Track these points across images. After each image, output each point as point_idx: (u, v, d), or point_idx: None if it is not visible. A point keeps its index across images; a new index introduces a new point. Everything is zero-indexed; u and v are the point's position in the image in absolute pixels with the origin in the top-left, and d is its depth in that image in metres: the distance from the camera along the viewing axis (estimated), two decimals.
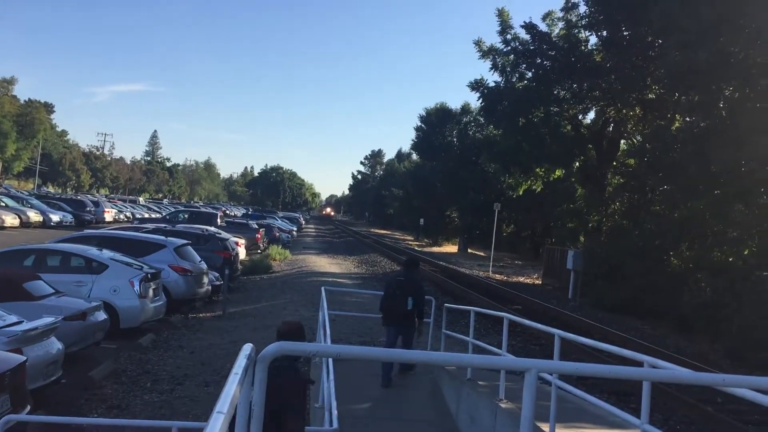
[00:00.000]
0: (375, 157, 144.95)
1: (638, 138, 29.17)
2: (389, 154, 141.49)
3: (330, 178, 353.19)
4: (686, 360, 13.03)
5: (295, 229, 58.85)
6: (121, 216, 49.59)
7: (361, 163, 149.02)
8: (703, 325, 18.52)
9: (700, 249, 21.23)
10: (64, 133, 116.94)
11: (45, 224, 37.75)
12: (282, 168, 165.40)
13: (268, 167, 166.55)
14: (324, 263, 33.83)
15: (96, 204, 48.09)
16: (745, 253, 19.87)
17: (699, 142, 21.37)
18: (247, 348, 2.99)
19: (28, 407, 7.12)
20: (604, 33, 28.78)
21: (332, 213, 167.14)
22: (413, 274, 10.02)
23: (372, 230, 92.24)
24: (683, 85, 22.24)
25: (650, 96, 27.35)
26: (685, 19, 20.86)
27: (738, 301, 17.67)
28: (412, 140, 70.27)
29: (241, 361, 2.82)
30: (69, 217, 40.86)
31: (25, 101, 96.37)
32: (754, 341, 15.58)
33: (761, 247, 19.32)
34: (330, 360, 6.74)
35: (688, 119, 24.96)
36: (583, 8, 29.80)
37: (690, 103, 23.53)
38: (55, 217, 39.51)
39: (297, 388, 4.31)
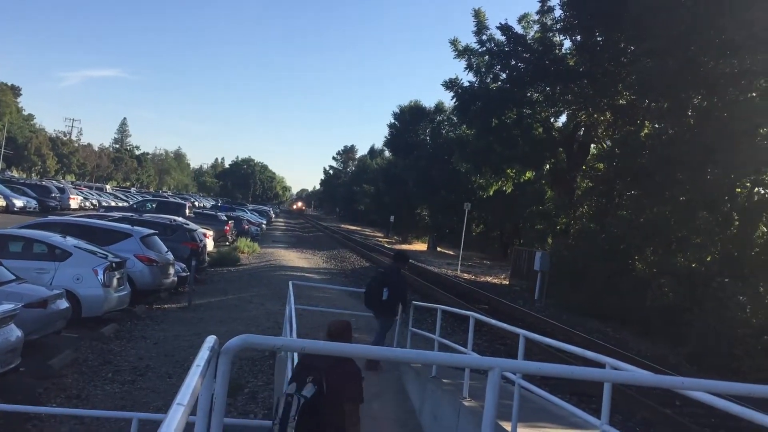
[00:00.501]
0: (347, 152, 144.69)
1: (608, 143, 29.56)
2: (362, 150, 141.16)
3: (301, 172, 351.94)
4: (647, 363, 13.24)
5: (264, 222, 58.49)
6: (87, 203, 48.73)
7: (334, 158, 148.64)
8: (664, 329, 18.85)
9: (664, 254, 21.58)
10: (30, 117, 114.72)
11: (8, 209, 36.94)
12: (253, 160, 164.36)
13: (239, 159, 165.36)
14: (293, 257, 33.69)
15: (61, 190, 47.19)
16: (708, 259, 20.26)
17: (666, 149, 21.73)
18: (211, 340, 2.95)
19: None
20: (578, 38, 29.10)
21: (304, 207, 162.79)
22: (395, 268, 10.44)
23: (342, 226, 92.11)
24: (653, 92, 22.59)
25: (621, 102, 27.73)
26: (657, 27, 21.19)
27: (699, 306, 18.01)
28: (385, 137, 70.34)
29: (203, 354, 2.78)
30: (33, 203, 40.05)
31: None
32: (713, 346, 15.90)
33: (723, 254, 19.73)
34: (295, 354, 6.71)
35: (657, 126, 25.38)
36: (558, 12, 30.10)
37: (659, 110, 23.93)
38: (19, 203, 38.69)
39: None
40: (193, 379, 2.42)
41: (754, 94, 20.29)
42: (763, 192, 21.17)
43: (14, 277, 10.84)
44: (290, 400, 4.66)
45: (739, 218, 20.12)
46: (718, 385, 3.64)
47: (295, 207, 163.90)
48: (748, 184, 20.66)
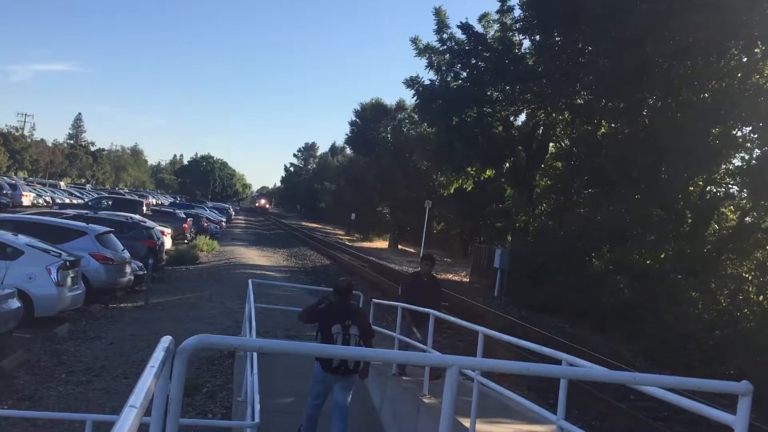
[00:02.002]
0: (308, 150, 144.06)
1: (566, 141, 30.01)
2: (323, 148, 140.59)
3: (262, 169, 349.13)
4: (603, 358, 13.49)
5: (224, 220, 57.88)
6: (41, 200, 47.57)
7: (294, 155, 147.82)
8: (620, 324, 19.23)
9: (619, 251, 22.02)
10: None
11: None
12: (213, 157, 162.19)
13: (198, 156, 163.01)
14: (253, 255, 33.43)
15: (13, 187, 45.97)
16: (662, 256, 20.74)
17: (622, 148, 22.18)
18: (166, 340, 2.91)
19: None
20: (537, 38, 29.43)
21: (267, 205, 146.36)
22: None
23: (303, 223, 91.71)
24: (609, 92, 23.01)
25: (579, 101, 28.16)
26: (613, 28, 21.59)
27: (654, 302, 18.43)
28: (347, 135, 70.20)
29: (158, 354, 2.74)
30: None
31: None
32: (667, 341, 16.29)
33: (677, 251, 20.22)
34: (254, 354, 6.66)
35: (613, 125, 25.86)
36: (517, 12, 30.40)
37: (615, 110, 24.39)
38: None
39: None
40: (147, 381, 2.38)
41: (706, 95, 20.83)
42: (715, 191, 21.76)
43: None
44: (347, 336, 6.83)
45: (691, 216, 20.65)
46: (669, 380, 3.73)
47: (257, 205, 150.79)
48: (701, 183, 21.21)
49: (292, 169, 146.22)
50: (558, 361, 4.88)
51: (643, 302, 18.84)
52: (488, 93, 31.16)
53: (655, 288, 19.01)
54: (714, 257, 19.69)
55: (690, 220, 20.65)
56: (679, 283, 18.21)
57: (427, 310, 9.15)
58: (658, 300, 18.32)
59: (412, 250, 51.06)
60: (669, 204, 20.62)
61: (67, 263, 13.14)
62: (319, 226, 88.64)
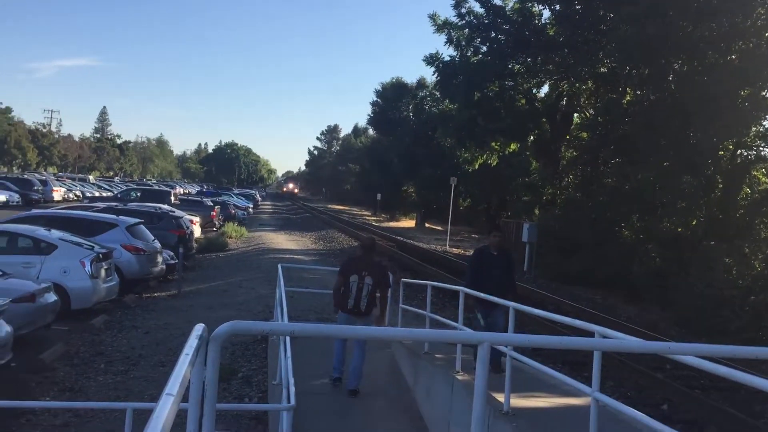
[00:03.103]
0: (331, 132, 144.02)
1: (591, 111, 29.58)
2: (346, 130, 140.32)
3: (286, 154, 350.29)
4: (636, 329, 13.39)
5: (251, 206, 58.29)
6: (71, 195, 48.34)
7: (318, 138, 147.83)
8: (652, 294, 19.04)
9: (650, 220, 21.74)
10: (8, 110, 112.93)
11: None
12: (237, 144, 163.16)
13: (223, 144, 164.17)
14: (281, 240, 33.66)
15: (44, 183, 46.73)
16: (693, 223, 20.44)
17: (648, 115, 21.80)
18: (199, 328, 2.94)
19: None
20: (557, 7, 28.95)
21: (296, 190, 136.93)
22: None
23: (329, 206, 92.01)
24: (633, 59, 22.59)
25: (602, 70, 27.70)
26: None
27: (686, 270, 18.20)
28: (369, 115, 70.06)
29: (192, 342, 2.77)
30: (16, 197, 39.68)
31: None
32: (701, 309, 16.09)
33: (708, 218, 19.91)
34: (287, 338, 6.72)
35: (638, 93, 25.41)
36: None
37: (640, 76, 23.95)
38: (1, 197, 38.35)
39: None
40: (182, 368, 2.42)
41: (733, 57, 20.36)
42: (745, 154, 21.34)
43: (0, 273, 10.76)
44: (361, 285, 8.18)
45: (722, 181, 20.29)
46: (705, 348, 3.69)
47: (284, 189, 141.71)
48: (731, 147, 20.81)
49: (315, 152, 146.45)
50: (590, 334, 4.84)
51: (675, 270, 18.62)
52: (509, 66, 30.78)
53: (688, 255, 18.76)
54: (747, 221, 19.35)
55: (721, 185, 20.30)
56: (712, 250, 17.95)
57: (456, 286, 9.12)
58: (690, 267, 18.08)
59: (439, 228, 50.99)
60: (699, 169, 20.27)
61: (100, 255, 13.36)
62: (346, 208, 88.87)
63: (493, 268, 8.26)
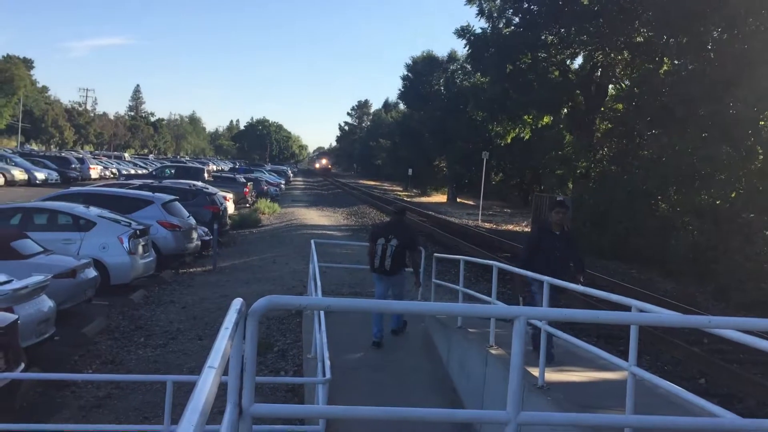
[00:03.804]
0: (362, 107, 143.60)
1: (626, 82, 28.98)
2: (376, 105, 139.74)
3: (317, 130, 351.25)
4: (674, 303, 13.23)
5: (283, 182, 58.65)
6: (107, 173, 49.13)
7: (348, 114, 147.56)
8: (690, 267, 18.76)
9: (687, 193, 21.34)
10: (44, 89, 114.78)
11: (30, 182, 37.40)
12: (268, 121, 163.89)
13: (254, 120, 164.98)
14: (313, 216, 33.84)
15: (81, 161, 47.57)
16: (732, 195, 20.02)
17: (687, 86, 21.29)
18: (237, 303, 2.98)
19: (23, 365, 7.15)
20: None
21: (330, 166, 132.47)
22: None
23: (360, 182, 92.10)
24: (670, 27, 22.03)
25: (638, 39, 27.07)
26: None
27: (724, 243, 17.88)
28: (399, 90, 69.48)
29: (231, 316, 2.81)
30: (54, 175, 40.47)
31: (2, 57, 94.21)
32: (739, 282, 15.83)
33: (748, 190, 19.47)
34: (321, 312, 6.79)
35: (676, 62, 24.80)
36: None
37: (678, 45, 23.35)
38: (40, 175, 39.13)
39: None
40: (222, 342, 2.46)
41: None
42: None
43: (42, 249, 11.02)
44: (386, 247, 9.01)
45: (763, 152, 19.79)
46: (745, 322, 3.63)
47: (317, 166, 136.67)
48: None
49: (346, 128, 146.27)
50: (627, 308, 4.80)
51: (713, 243, 18.30)
52: (542, 37, 30.25)
53: (727, 228, 18.41)
54: None
55: (761, 156, 19.80)
56: (752, 222, 17.58)
57: (489, 261, 9.08)
58: (729, 240, 17.76)
59: (471, 203, 50.76)
60: (738, 140, 19.78)
61: (138, 232, 13.59)
62: (377, 183, 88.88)
63: (554, 249, 7.57)
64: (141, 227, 13.97)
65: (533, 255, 7.65)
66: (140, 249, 13.62)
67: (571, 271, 7.63)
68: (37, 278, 8.72)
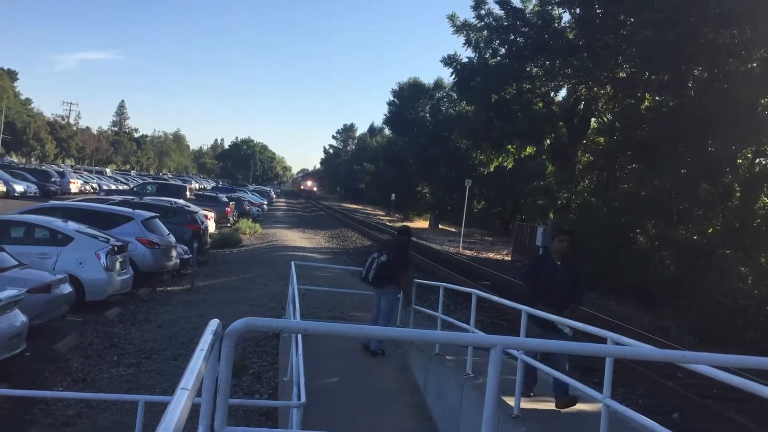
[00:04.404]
0: (347, 131, 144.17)
1: (609, 116, 29.42)
2: (362, 129, 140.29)
3: (301, 152, 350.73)
4: (649, 336, 13.30)
5: (265, 202, 58.51)
6: (87, 187, 48.77)
7: (333, 137, 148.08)
8: (667, 301, 18.91)
9: (665, 227, 21.59)
10: (28, 101, 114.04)
11: (8, 195, 37.00)
12: (253, 141, 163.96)
13: (239, 140, 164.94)
14: (295, 237, 33.74)
15: (61, 174, 47.20)
16: (709, 231, 20.28)
17: (667, 122, 21.65)
18: (213, 323, 2.97)
19: None
20: (577, 10, 28.81)
21: (315, 188, 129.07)
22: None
23: (343, 205, 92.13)
24: (653, 64, 22.45)
25: (621, 75, 27.54)
26: None
27: (701, 278, 18.06)
28: (385, 115, 70.03)
29: (207, 337, 2.80)
30: (33, 188, 40.08)
31: None
32: (716, 318, 15.97)
33: (725, 226, 19.74)
34: (299, 335, 6.75)
35: (657, 98, 25.24)
36: None
37: (659, 82, 23.78)
38: (19, 188, 38.73)
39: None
40: (197, 363, 2.45)
41: (754, 65, 20.17)
42: (764, 162, 21.15)
43: (17, 263, 10.88)
44: (375, 260, 9.60)
45: (740, 189, 20.12)
46: (719, 358, 3.67)
47: (302, 187, 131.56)
48: (749, 155, 20.63)
49: (331, 150, 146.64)
50: (603, 340, 4.83)
51: (690, 278, 18.48)
52: (527, 69, 30.66)
53: (703, 263, 18.61)
54: (764, 231, 19.16)
55: (738, 194, 20.12)
56: (728, 259, 17.80)
57: (468, 289, 9.10)
58: (705, 276, 17.94)
59: (452, 230, 50.91)
60: (716, 177, 20.10)
61: (116, 248, 13.47)
62: (360, 207, 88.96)
63: (555, 282, 6.87)
64: (119, 243, 13.84)
65: (538, 288, 6.95)
66: (117, 265, 13.48)
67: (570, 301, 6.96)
68: (10, 292, 8.59)
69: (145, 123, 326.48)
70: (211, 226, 27.25)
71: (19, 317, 8.74)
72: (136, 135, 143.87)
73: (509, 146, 32.75)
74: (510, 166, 35.05)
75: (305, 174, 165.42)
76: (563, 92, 32.92)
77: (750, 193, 19.81)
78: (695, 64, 21.85)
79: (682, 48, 20.40)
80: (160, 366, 10.23)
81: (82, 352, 10.56)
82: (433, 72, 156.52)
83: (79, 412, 8.05)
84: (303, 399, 5.43)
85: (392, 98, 66.67)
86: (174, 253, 17.41)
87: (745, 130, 18.75)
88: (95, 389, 8.93)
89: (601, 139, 29.19)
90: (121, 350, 10.92)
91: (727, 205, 20.04)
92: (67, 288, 11.23)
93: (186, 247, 18.75)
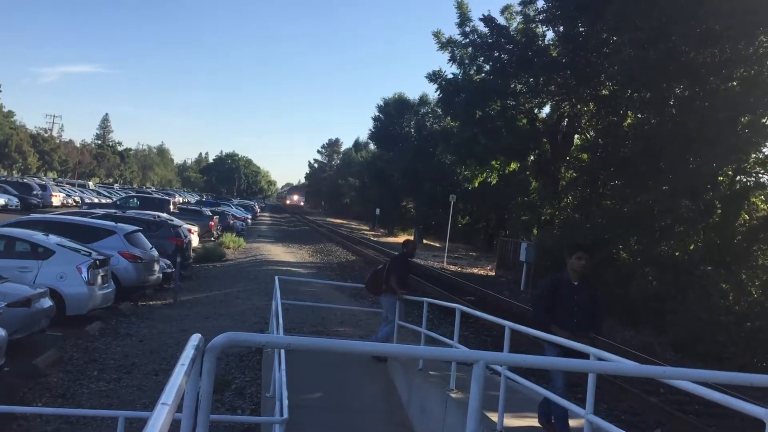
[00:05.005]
0: (332, 146, 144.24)
1: (592, 133, 29.68)
2: (347, 144, 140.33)
3: (286, 166, 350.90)
4: (632, 352, 13.37)
5: (249, 217, 58.29)
6: (70, 200, 48.37)
7: (318, 151, 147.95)
8: (649, 317, 19.01)
9: (648, 243, 21.74)
10: (10, 113, 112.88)
11: None
12: (237, 155, 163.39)
13: (224, 154, 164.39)
14: (278, 252, 33.62)
15: (43, 187, 46.75)
16: (691, 248, 20.45)
17: (649, 139, 21.88)
18: (195, 338, 2.95)
19: None
20: (561, 28, 29.12)
21: (302, 203, 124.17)
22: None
23: (328, 219, 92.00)
24: (635, 82, 22.70)
25: (604, 92, 27.83)
26: (638, 18, 21.29)
27: (683, 294, 18.18)
28: (370, 130, 70.16)
29: (188, 352, 2.77)
30: (14, 201, 39.68)
31: None
32: (697, 334, 16.07)
33: (706, 243, 19.92)
34: (282, 350, 6.71)
35: (639, 116, 25.51)
36: (540, 3, 30.10)
37: (641, 100, 24.04)
38: (0, 201, 38.32)
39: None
40: (177, 378, 2.42)
41: (734, 83, 20.46)
42: (744, 180, 21.39)
43: None
44: (374, 271, 10.86)
45: (721, 206, 20.32)
46: (700, 374, 3.69)
47: (288, 202, 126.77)
48: (730, 173, 20.86)
49: (316, 165, 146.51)
50: (586, 356, 4.85)
51: (672, 294, 18.60)
52: (512, 86, 30.93)
53: (685, 280, 18.75)
54: (744, 248, 19.35)
55: (719, 211, 20.33)
56: (709, 275, 17.94)
57: (452, 304, 9.09)
58: (687, 292, 18.07)
59: (437, 245, 50.96)
60: (698, 194, 20.30)
61: (97, 262, 13.34)
62: (344, 221, 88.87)
63: (572, 305, 6.29)
64: (101, 257, 13.72)
65: (548, 312, 6.34)
66: (99, 279, 13.36)
67: (591, 326, 6.39)
68: None
69: (128, 136, 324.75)
70: (195, 240, 27.11)
71: None
72: (120, 148, 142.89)
73: (493, 162, 32.92)
74: (494, 182, 35.20)
75: (291, 188, 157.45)
76: (547, 109, 33.23)
77: (730, 210, 20.01)
78: (676, 82, 22.12)
79: (663, 66, 20.67)
80: (141, 381, 10.12)
81: (62, 367, 10.43)
82: (419, 88, 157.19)
83: (58, 428, 7.94)
84: (285, 415, 5.39)
85: (377, 113, 66.90)
86: (157, 267, 17.28)
87: (725, 148, 18.97)
88: (75, 405, 8.81)
89: (585, 156, 29.44)
90: (102, 365, 10.80)
91: (709, 222, 20.23)
92: (47, 302, 11.11)
93: (169, 261, 18.63)
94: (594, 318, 6.37)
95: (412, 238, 11.33)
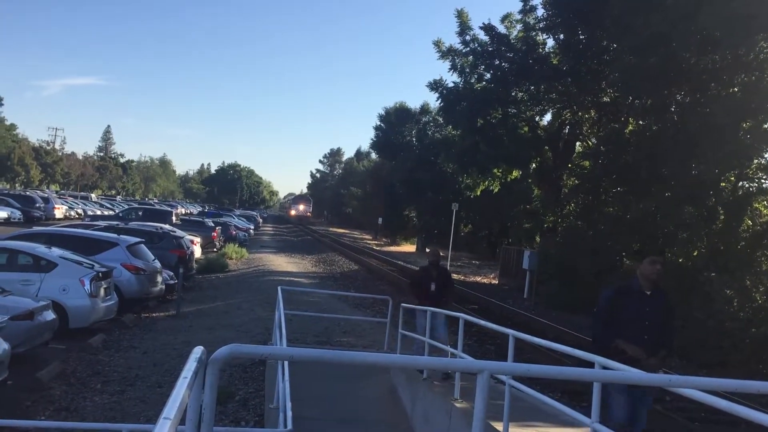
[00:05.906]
0: (334, 155, 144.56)
1: (593, 140, 29.69)
2: (348, 153, 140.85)
3: (288, 176, 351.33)
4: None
5: (252, 227, 58.33)
6: (72, 213, 48.39)
7: (320, 161, 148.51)
8: None
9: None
10: (12, 126, 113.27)
11: None
12: (239, 165, 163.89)
13: (226, 164, 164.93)
14: (281, 262, 33.60)
15: (46, 200, 46.81)
16: (695, 254, 20.38)
17: (651, 145, 21.86)
18: (198, 351, 2.93)
19: None
20: (561, 36, 29.19)
21: (309, 213, 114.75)
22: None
23: (330, 229, 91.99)
24: (636, 89, 22.72)
25: (605, 99, 27.86)
26: (638, 24, 21.32)
27: (686, 301, 18.11)
28: (372, 139, 70.35)
29: (191, 365, 2.76)
30: (17, 214, 39.71)
31: None
32: (702, 340, 16.00)
33: (709, 249, 19.86)
34: (285, 361, 6.69)
35: (641, 122, 25.52)
36: (540, 11, 30.20)
37: (643, 106, 24.05)
38: (3, 214, 38.37)
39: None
40: (180, 392, 2.41)
41: (735, 89, 20.46)
42: (747, 186, 21.35)
43: None
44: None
45: (724, 212, 20.27)
46: (706, 382, 3.67)
47: (293, 213, 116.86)
48: (732, 178, 20.83)
49: (318, 175, 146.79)
50: (591, 364, 4.82)
51: (676, 301, 18.51)
52: (513, 93, 30.99)
53: (688, 286, 18.68)
54: (748, 254, 19.29)
55: (722, 217, 20.28)
56: (713, 281, 17.88)
57: (455, 313, 9.07)
58: (691, 298, 18.00)
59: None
60: (700, 200, 20.26)
61: (100, 274, 13.34)
62: (347, 231, 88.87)
63: (643, 317, 5.54)
64: (104, 269, 13.72)
65: (614, 324, 5.56)
66: (102, 292, 13.35)
67: (664, 341, 5.63)
68: None
69: (131, 148, 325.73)
70: (197, 251, 27.11)
71: (0, 345, 8.61)
72: (122, 160, 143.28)
73: (495, 170, 32.93)
74: (496, 190, 35.20)
75: (296, 197, 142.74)
76: (548, 116, 33.28)
77: (734, 216, 19.96)
78: (678, 88, 22.14)
79: (664, 73, 20.69)
80: (145, 393, 10.09)
81: (65, 380, 10.40)
82: (420, 97, 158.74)
83: None
84: (290, 426, 5.37)
85: (379, 123, 67.07)
86: (159, 279, 17.28)
87: (727, 154, 18.95)
88: (78, 418, 8.78)
89: (586, 163, 29.44)
90: (105, 378, 10.77)
91: (712, 228, 20.18)
92: (50, 315, 11.09)
93: (171, 273, 18.62)
94: (667, 334, 5.62)
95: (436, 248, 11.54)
